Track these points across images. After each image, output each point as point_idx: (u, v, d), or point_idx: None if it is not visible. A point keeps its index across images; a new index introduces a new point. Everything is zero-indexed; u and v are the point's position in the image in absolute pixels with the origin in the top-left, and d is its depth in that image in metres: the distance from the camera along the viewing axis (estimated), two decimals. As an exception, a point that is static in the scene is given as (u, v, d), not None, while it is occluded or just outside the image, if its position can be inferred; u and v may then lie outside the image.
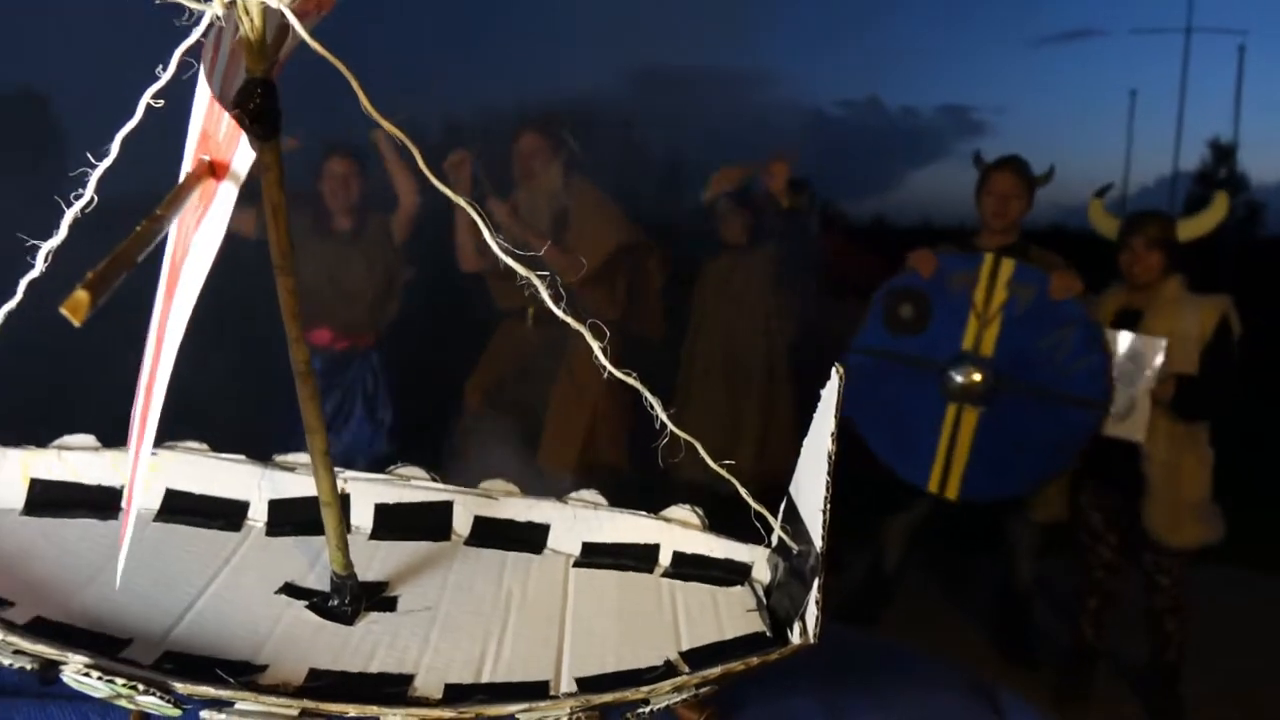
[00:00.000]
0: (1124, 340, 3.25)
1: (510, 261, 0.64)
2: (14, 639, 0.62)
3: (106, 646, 0.65)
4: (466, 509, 0.90)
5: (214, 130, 0.51)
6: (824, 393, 0.72)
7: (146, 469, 0.60)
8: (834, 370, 0.71)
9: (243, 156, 0.49)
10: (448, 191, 0.64)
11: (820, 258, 3.90)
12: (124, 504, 0.61)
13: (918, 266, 3.39)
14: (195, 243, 0.52)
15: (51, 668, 0.62)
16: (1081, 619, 3.56)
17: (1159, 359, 3.18)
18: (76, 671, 0.61)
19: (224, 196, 0.51)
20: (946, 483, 3.33)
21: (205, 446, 0.89)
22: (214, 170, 0.51)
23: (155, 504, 0.86)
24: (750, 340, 3.85)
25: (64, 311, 0.38)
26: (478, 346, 3.72)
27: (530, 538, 0.89)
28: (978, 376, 3.28)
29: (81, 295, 0.39)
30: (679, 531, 0.87)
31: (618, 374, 0.70)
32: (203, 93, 0.55)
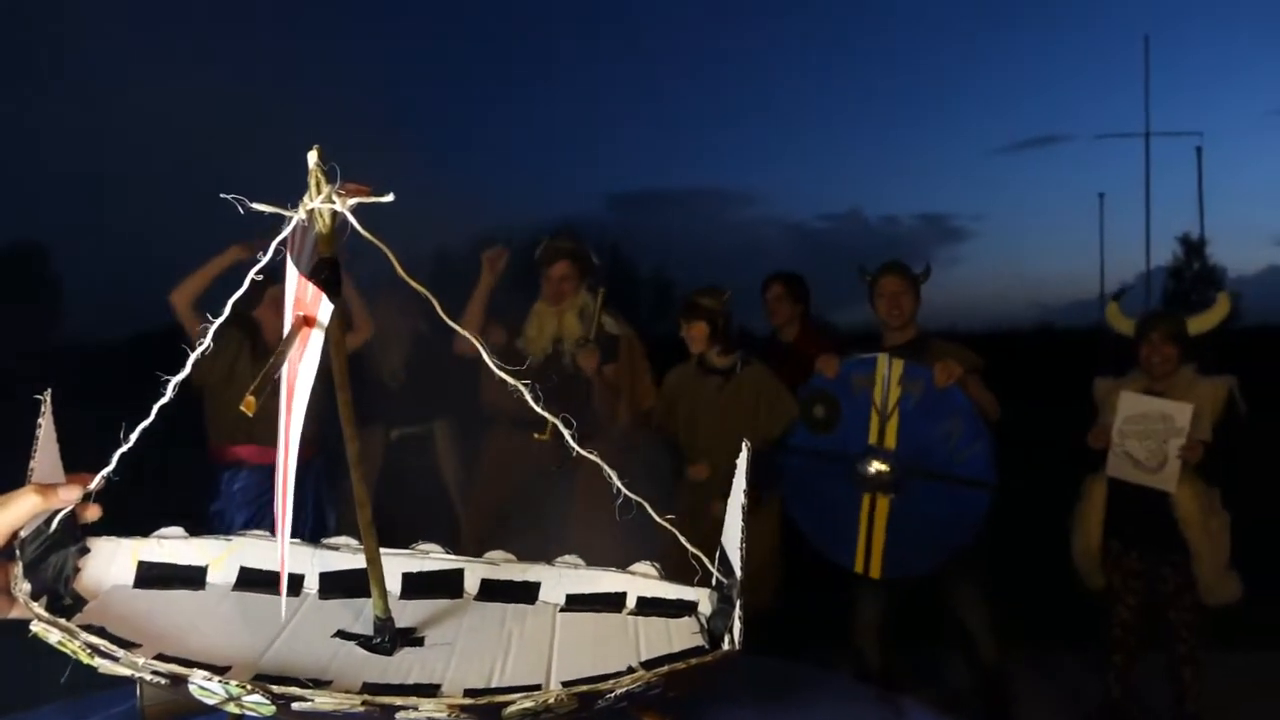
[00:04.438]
0: (1154, 403, 3.61)
1: (503, 375, 0.90)
2: (152, 663, 0.86)
3: (214, 671, 0.88)
4: (474, 573, 1.14)
5: (304, 295, 0.79)
6: (739, 462, 0.98)
7: (289, 534, 0.85)
8: (744, 444, 0.97)
9: (325, 310, 0.77)
10: (457, 327, 0.92)
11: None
12: (280, 563, 0.87)
13: (823, 369, 3.80)
14: (300, 370, 0.78)
15: (180, 682, 0.86)
16: (1108, 676, 3.82)
17: (1186, 421, 3.57)
18: (202, 680, 0.84)
19: (315, 339, 0.78)
20: (870, 563, 3.65)
21: (268, 534, 1.14)
22: (307, 322, 0.78)
23: (232, 578, 1.10)
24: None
25: (242, 409, 0.64)
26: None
27: (526, 593, 1.13)
28: (884, 467, 3.65)
29: (250, 399, 0.65)
30: (641, 581, 1.11)
31: (585, 454, 0.96)
32: (292, 271, 0.82)
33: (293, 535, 1.16)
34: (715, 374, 4.00)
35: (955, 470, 3.55)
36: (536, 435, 3.54)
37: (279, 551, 0.84)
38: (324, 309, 0.77)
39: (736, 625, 0.93)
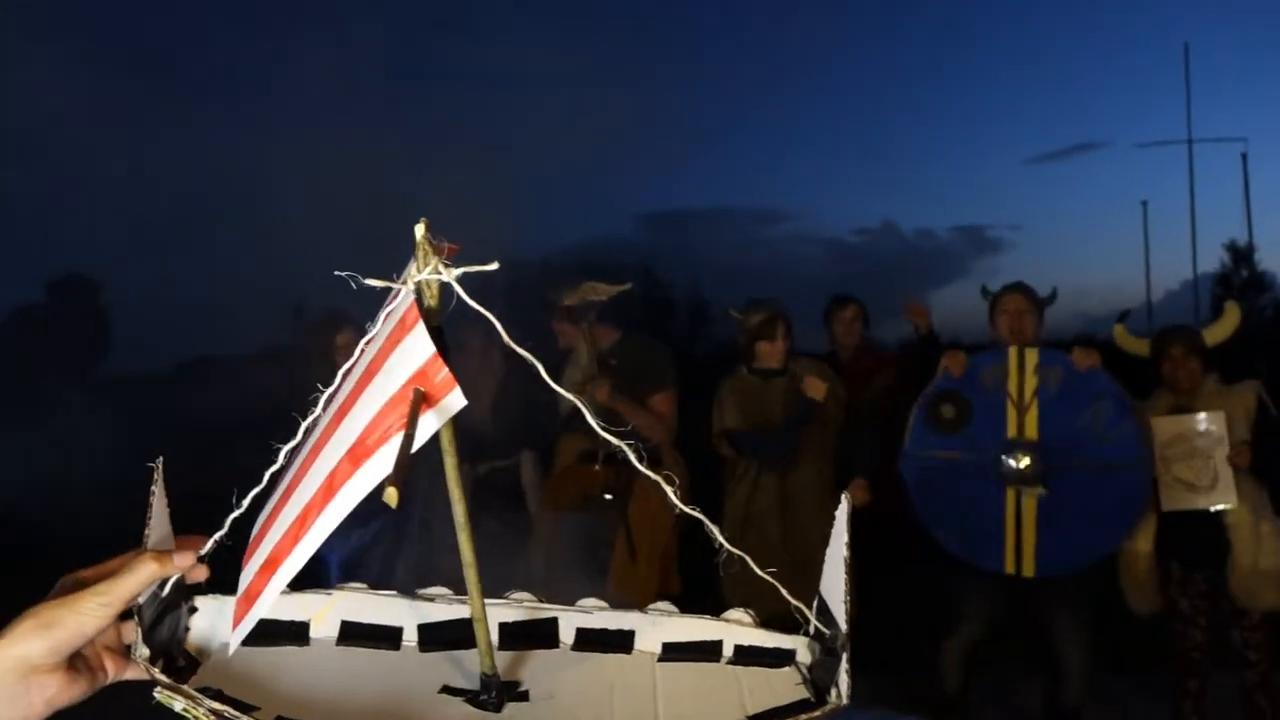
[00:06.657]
0: (1185, 421, 3.57)
1: (610, 437, 0.91)
2: (276, 728, 0.88)
3: None
4: (569, 622, 1.15)
5: (433, 373, 0.79)
6: (838, 512, 0.98)
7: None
8: (844, 495, 0.98)
9: (456, 399, 0.77)
10: (562, 391, 0.93)
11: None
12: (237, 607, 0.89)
13: (950, 367, 3.68)
14: (392, 439, 0.78)
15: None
16: (1183, 703, 3.73)
17: (1223, 427, 3.55)
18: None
19: (429, 420, 0.78)
20: (1021, 562, 3.52)
21: (366, 587, 1.16)
22: (427, 399, 0.79)
23: (334, 632, 1.12)
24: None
25: (385, 500, 0.66)
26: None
27: (621, 641, 1.14)
28: (1028, 460, 3.53)
29: (391, 491, 0.66)
30: (737, 629, 1.12)
31: (687, 510, 0.97)
32: (426, 345, 0.81)
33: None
34: (762, 375, 4.14)
35: (1105, 454, 3.48)
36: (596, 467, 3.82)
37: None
38: (454, 398, 0.78)
39: (844, 678, 0.93)
